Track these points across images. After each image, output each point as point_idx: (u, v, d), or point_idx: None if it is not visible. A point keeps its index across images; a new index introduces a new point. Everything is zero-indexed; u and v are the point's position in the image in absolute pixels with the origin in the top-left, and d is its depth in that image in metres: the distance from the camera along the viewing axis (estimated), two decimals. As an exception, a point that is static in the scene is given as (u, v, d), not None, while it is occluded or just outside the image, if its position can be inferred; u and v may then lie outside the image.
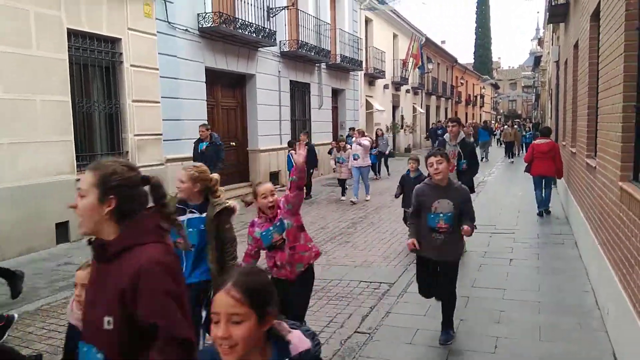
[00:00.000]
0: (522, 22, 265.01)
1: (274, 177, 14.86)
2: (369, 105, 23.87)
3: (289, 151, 12.43)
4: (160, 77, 10.24)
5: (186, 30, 11.05)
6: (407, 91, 30.95)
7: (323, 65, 17.94)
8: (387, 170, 17.78)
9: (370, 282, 6.14)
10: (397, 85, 28.41)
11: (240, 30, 12.10)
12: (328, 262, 7.11)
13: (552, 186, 10.54)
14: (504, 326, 4.66)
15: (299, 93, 16.78)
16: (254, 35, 12.65)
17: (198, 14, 11.36)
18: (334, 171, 13.43)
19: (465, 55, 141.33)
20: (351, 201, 11.92)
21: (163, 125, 10.31)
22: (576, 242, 7.61)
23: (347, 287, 5.99)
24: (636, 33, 3.82)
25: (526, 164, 10.31)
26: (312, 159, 11.89)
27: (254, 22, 12.72)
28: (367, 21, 23.93)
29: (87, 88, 8.94)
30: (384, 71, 24.72)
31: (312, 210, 11.29)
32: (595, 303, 5.11)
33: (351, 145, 12.53)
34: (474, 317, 4.88)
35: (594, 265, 5.58)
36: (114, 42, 9.27)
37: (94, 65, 9.02)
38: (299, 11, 15.72)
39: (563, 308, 5.06)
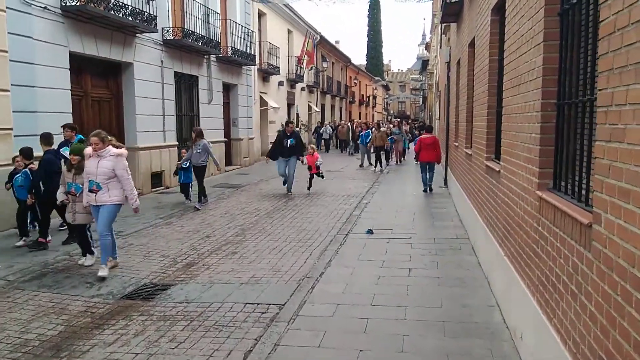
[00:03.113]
0: (409, 27, 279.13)
1: (157, 177, 13.45)
2: (263, 102, 22.95)
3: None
4: (10, 61, 8.55)
5: (45, 8, 9.38)
6: (303, 89, 30.48)
7: (213, 58, 16.71)
8: (204, 196, 11.18)
9: (257, 305, 5.26)
10: (292, 83, 27.78)
11: (112, 12, 10.60)
12: (210, 280, 6.14)
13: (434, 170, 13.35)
14: (409, 356, 4.03)
15: (186, 86, 15.42)
16: (130, 18, 11.19)
17: (61, -10, 9.74)
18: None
19: (357, 56, 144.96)
20: (100, 276, 6.14)
21: (14, 117, 8.63)
22: (473, 247, 7.33)
23: (229, 313, 5.06)
24: (557, 20, 3.33)
25: (415, 153, 13.81)
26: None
27: (129, 4, 11.26)
28: (261, 15, 22.98)
29: None
30: (278, 67, 23.93)
31: (197, 216, 10.17)
32: (503, 321, 4.67)
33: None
34: (374, 346, 4.20)
35: (497, 276, 5.17)
36: (-56, 14, 7.53)
37: None
38: (185, -3, 14.42)
39: (469, 328, 4.55)
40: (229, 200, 12.23)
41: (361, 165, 19.83)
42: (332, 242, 7.91)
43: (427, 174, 12.93)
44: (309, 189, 13.22)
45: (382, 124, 30.07)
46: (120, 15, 10.86)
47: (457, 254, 7.11)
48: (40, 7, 9.29)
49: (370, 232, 8.45)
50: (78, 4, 9.77)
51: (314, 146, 13.93)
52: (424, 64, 47.79)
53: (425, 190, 12.85)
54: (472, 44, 8.28)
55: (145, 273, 6.42)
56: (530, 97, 3.77)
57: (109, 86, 12.07)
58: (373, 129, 20.50)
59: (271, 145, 13.51)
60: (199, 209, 10.74)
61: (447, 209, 10.57)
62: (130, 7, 11.20)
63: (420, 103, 65.96)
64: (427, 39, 52.44)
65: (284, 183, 12.98)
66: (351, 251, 7.31)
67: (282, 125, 26.39)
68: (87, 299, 5.53)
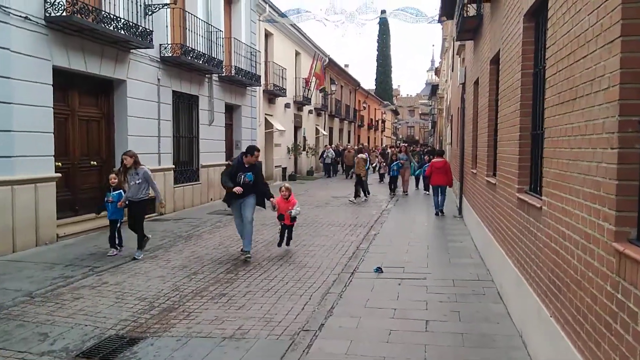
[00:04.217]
0: (418, 53, 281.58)
1: (150, 203, 12.50)
2: (268, 125, 22.17)
3: None
4: (-17, 74, 7.78)
5: (26, 18, 8.63)
6: (310, 112, 29.77)
7: (215, 77, 15.96)
8: (144, 237, 8.54)
9: (239, 370, 4.26)
10: (299, 105, 27.06)
11: (102, 25, 9.85)
12: (187, 333, 5.13)
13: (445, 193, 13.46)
14: None
15: (185, 106, 14.62)
16: (123, 32, 10.44)
17: (45, 0, 8.99)
18: None
19: (366, 81, 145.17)
20: None
21: (-16, 137, 7.81)
22: (500, 292, 6.29)
23: (202, 382, 4.06)
24: (644, 5, 2.39)
25: (426, 177, 15.14)
26: None
27: (123, 17, 10.52)
28: (267, 35, 22.38)
29: None
30: (285, 89, 23.21)
31: (187, 248, 9.20)
32: (551, 403, 3.63)
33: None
34: None
35: (539, 341, 4.13)
36: None
37: None
38: (186, 12, 13.70)
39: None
40: (225, 229, 11.26)
41: (366, 193, 17.00)
42: (335, 283, 6.90)
43: (439, 197, 13.19)
44: (279, 245, 9.00)
45: (388, 148, 28.93)
46: (112, 28, 10.11)
47: (481, 301, 6.07)
48: (21, 17, 8.53)
49: (379, 270, 7.44)
50: (63, 14, 9.01)
51: (289, 186, 9.24)
52: (434, 88, 47.12)
53: (437, 214, 13.07)
54: (495, 60, 7.36)
55: (113, 322, 5.43)
56: (597, 114, 2.81)
57: (99, 105, 11.25)
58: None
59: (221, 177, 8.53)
60: (137, 259, 8.21)
61: (464, 243, 9.54)
62: (123, 20, 10.45)
63: (430, 128, 65.20)
64: (437, 64, 51.98)
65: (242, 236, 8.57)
66: (357, 295, 6.29)
67: (289, 148, 25.58)
68: (35, 356, 4.55)
